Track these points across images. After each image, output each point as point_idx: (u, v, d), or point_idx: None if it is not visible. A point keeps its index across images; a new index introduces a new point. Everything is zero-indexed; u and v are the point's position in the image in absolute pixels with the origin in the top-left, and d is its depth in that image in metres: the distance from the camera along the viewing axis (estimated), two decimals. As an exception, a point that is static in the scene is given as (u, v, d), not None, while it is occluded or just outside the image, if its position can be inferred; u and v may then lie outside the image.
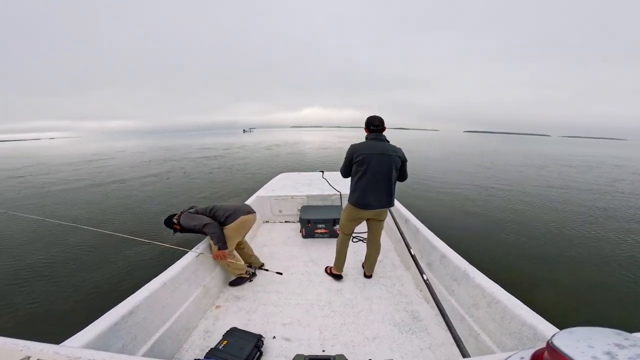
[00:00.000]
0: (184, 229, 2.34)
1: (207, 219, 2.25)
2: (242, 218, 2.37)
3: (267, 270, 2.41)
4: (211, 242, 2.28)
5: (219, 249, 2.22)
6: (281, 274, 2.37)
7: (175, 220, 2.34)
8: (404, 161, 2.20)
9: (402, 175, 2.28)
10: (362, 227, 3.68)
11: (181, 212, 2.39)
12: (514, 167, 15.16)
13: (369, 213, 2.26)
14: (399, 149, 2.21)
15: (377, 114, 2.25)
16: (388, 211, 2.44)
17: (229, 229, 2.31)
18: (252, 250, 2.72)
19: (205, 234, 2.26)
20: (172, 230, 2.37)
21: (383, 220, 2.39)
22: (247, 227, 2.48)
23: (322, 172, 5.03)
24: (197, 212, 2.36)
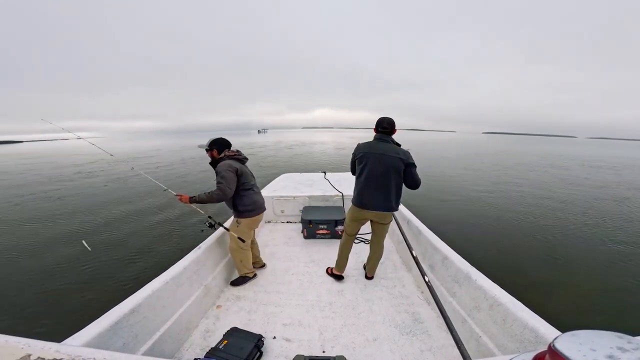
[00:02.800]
0: (213, 164, 2.24)
1: (227, 191, 2.11)
2: (256, 217, 2.38)
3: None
4: (205, 194, 2.14)
5: (195, 201, 2.13)
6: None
7: (217, 154, 2.21)
8: (407, 164, 2.07)
9: (410, 181, 2.13)
10: (365, 229, 3.70)
11: (229, 155, 2.22)
12: (539, 169, 14.98)
13: (370, 214, 2.25)
14: (405, 151, 2.12)
15: (387, 116, 2.23)
16: (392, 216, 2.38)
17: (245, 222, 2.32)
18: (259, 252, 2.72)
19: (212, 191, 2.12)
20: (206, 150, 2.26)
21: (386, 224, 2.33)
22: (257, 225, 2.48)
23: (325, 172, 5.03)
24: (237, 174, 2.17)
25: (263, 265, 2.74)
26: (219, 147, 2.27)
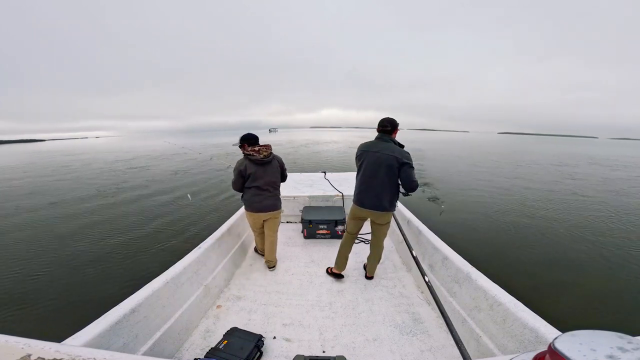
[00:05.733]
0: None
1: (233, 186, 2.52)
2: (252, 214, 2.56)
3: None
4: None
5: None
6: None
7: (245, 150, 2.44)
8: (402, 163, 2.04)
9: (404, 181, 2.07)
10: (366, 229, 3.70)
11: (247, 153, 2.41)
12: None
13: (367, 213, 2.25)
14: (402, 151, 2.09)
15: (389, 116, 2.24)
16: (392, 216, 2.36)
17: (246, 212, 2.61)
18: (268, 251, 2.73)
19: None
20: (239, 146, 2.52)
21: (383, 225, 2.30)
22: (255, 222, 2.64)
23: (325, 172, 5.03)
24: (242, 175, 2.43)
25: (272, 267, 2.76)
26: (243, 142, 2.49)
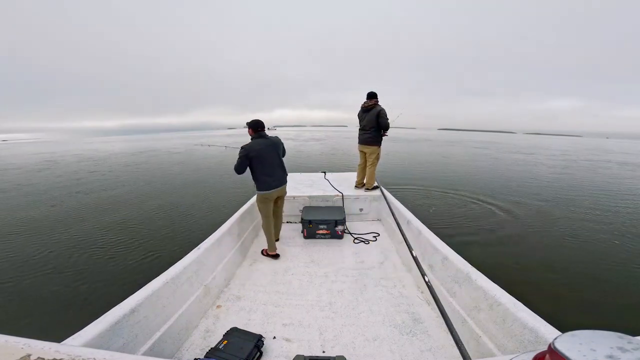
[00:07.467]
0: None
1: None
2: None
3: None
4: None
5: None
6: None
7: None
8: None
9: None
10: (366, 228, 3.68)
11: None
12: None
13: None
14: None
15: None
16: (391, 213, 2.81)
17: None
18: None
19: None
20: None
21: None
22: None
23: (324, 172, 5.03)
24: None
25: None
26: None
